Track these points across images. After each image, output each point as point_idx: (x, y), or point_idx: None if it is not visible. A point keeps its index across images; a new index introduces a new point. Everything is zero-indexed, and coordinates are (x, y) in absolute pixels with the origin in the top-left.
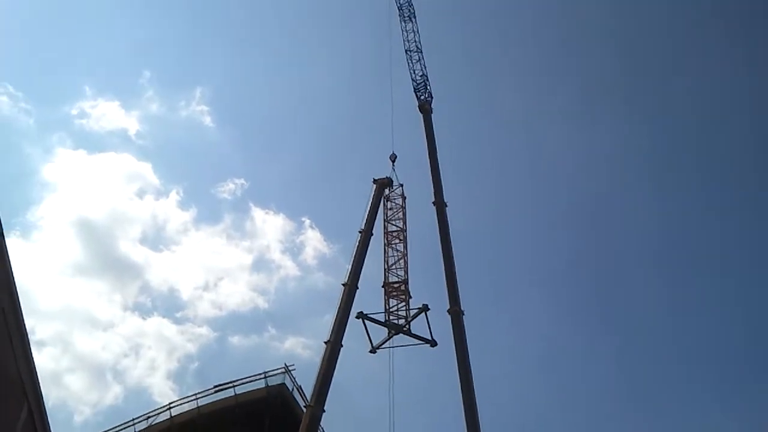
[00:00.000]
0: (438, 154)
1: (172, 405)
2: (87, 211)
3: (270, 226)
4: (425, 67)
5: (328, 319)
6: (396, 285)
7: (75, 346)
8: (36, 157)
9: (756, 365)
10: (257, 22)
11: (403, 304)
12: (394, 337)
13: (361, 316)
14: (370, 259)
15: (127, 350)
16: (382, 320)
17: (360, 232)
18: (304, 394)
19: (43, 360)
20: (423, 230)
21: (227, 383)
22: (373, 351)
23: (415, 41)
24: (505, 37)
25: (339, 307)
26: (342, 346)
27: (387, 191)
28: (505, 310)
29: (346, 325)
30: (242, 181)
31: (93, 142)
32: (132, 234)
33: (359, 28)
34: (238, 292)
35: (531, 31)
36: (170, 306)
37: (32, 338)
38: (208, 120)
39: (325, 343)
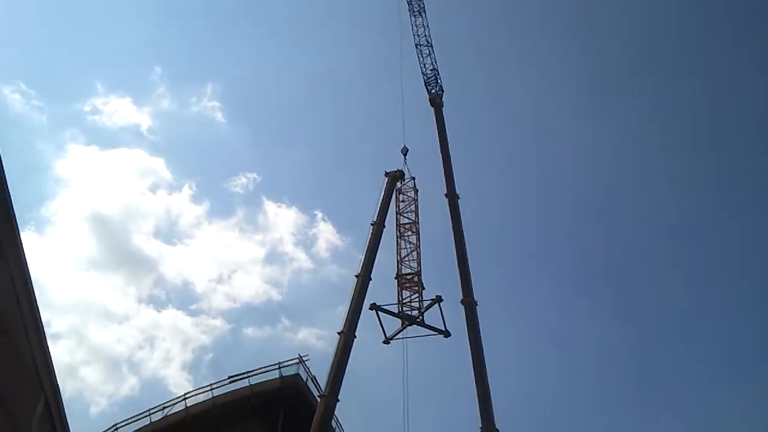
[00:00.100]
0: (449, 147)
1: (187, 396)
2: (100, 206)
3: (282, 219)
4: (435, 61)
5: (341, 311)
6: (409, 276)
7: (90, 338)
8: (49, 154)
9: None
10: (267, 17)
11: (416, 295)
12: (408, 328)
13: (374, 307)
14: (383, 251)
15: (142, 342)
16: (396, 311)
17: (372, 224)
18: (318, 384)
19: (59, 353)
20: (435, 222)
21: (242, 374)
22: (386, 342)
23: (425, 35)
24: (513, 30)
25: (352, 298)
26: (355, 336)
27: (399, 184)
28: (517, 302)
29: (359, 316)
30: (254, 175)
31: (105, 138)
32: (145, 228)
33: (369, 23)
34: (251, 285)
35: (539, 23)
36: (184, 298)
37: (48, 331)
38: (219, 115)
39: (339, 333)
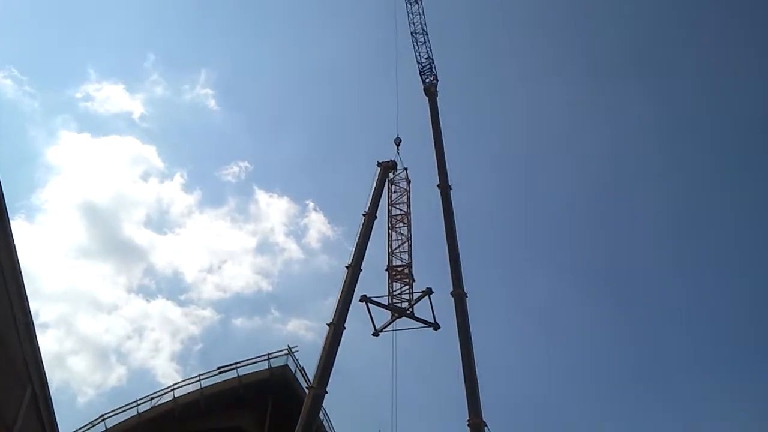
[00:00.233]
0: (443, 137)
1: (175, 386)
2: (91, 194)
3: (274, 209)
4: (431, 50)
5: (332, 302)
6: (400, 268)
7: (79, 328)
8: (40, 140)
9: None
10: (262, 4)
11: (407, 287)
12: (398, 320)
13: (364, 299)
14: (375, 242)
15: (131, 332)
16: (386, 303)
17: (364, 215)
18: (307, 376)
19: (47, 342)
20: (427, 213)
21: (231, 365)
22: (376, 334)
23: (421, 23)
24: (509, 19)
25: (342, 290)
26: (345, 328)
27: (391, 175)
28: (508, 294)
29: (349, 308)
30: (246, 164)
31: (97, 125)
32: (136, 217)
33: (364, 11)
34: (242, 275)
35: (537, 15)
36: (174, 288)
37: (36, 321)
38: (212, 103)
39: (328, 325)
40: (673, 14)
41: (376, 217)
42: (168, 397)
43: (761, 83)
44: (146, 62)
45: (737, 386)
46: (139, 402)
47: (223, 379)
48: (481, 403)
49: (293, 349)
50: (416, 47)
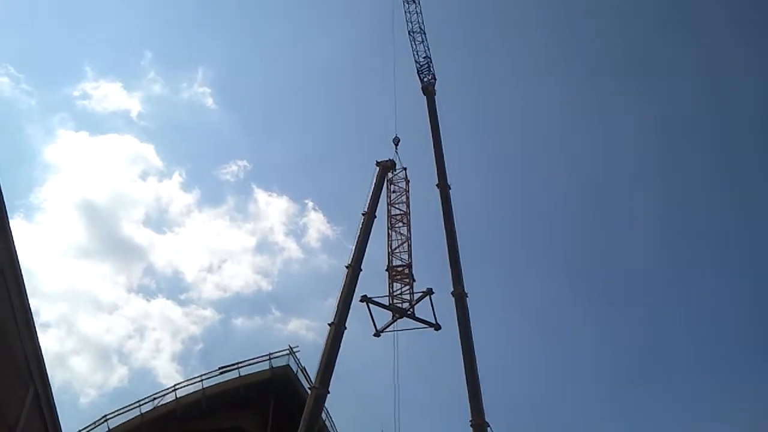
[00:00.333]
0: (441, 137)
1: (177, 387)
2: (90, 193)
3: (273, 208)
4: (428, 49)
5: (332, 302)
6: (400, 269)
7: (79, 328)
8: (38, 139)
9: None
10: (259, 3)
11: (407, 287)
12: (398, 320)
13: (365, 299)
14: (375, 242)
15: (132, 332)
16: (386, 304)
17: (363, 214)
18: (309, 376)
19: (48, 342)
20: (426, 213)
21: (232, 365)
22: (377, 335)
23: (419, 22)
24: (506, 19)
25: (342, 290)
26: (346, 328)
27: (390, 174)
28: (508, 294)
29: (349, 307)
30: (245, 162)
31: (95, 124)
32: (135, 216)
33: (362, 10)
34: (241, 274)
35: (533, 15)
36: (174, 288)
37: (37, 320)
38: (210, 102)
39: (329, 325)
40: (670, 13)
41: (375, 217)
42: (170, 398)
43: (761, 83)
44: (143, 60)
45: (737, 386)
46: (141, 402)
47: (225, 380)
48: (484, 403)
49: (294, 349)
50: (414, 46)
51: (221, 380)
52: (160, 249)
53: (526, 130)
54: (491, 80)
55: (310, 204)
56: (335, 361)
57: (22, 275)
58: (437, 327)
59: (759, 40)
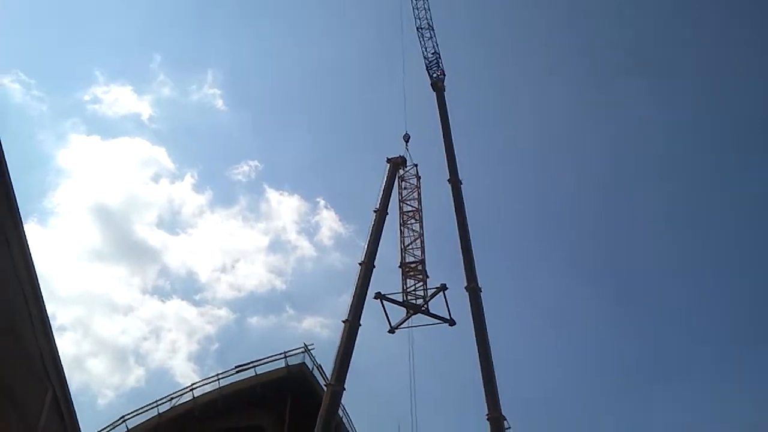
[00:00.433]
0: (452, 132)
1: (194, 386)
2: (103, 197)
3: (285, 207)
4: (437, 45)
5: (346, 299)
6: (413, 265)
7: (96, 330)
8: (50, 144)
9: None
10: (266, 2)
11: (421, 283)
12: (413, 317)
13: (379, 296)
14: (387, 239)
15: (148, 333)
16: (400, 300)
17: (375, 211)
18: (324, 373)
19: (65, 345)
20: (437, 208)
21: (248, 363)
22: (391, 331)
23: (427, 18)
24: (513, 17)
25: (356, 287)
26: (360, 324)
27: (401, 171)
28: (521, 288)
29: (363, 304)
30: (256, 162)
31: (107, 128)
32: (149, 218)
33: (370, 7)
34: (255, 274)
35: (539, 14)
36: (189, 288)
37: (53, 323)
38: (220, 103)
39: (344, 322)
40: (673, 14)
41: (387, 214)
42: (187, 397)
43: (761, 83)
44: (152, 63)
45: (745, 386)
46: (159, 402)
47: (241, 378)
48: (500, 397)
49: (309, 347)
50: (422, 42)
51: (238, 379)
52: (174, 250)
53: (535, 126)
54: (499, 76)
55: (322, 202)
56: (350, 358)
57: (37, 279)
58: (452, 322)
59: (760, 40)
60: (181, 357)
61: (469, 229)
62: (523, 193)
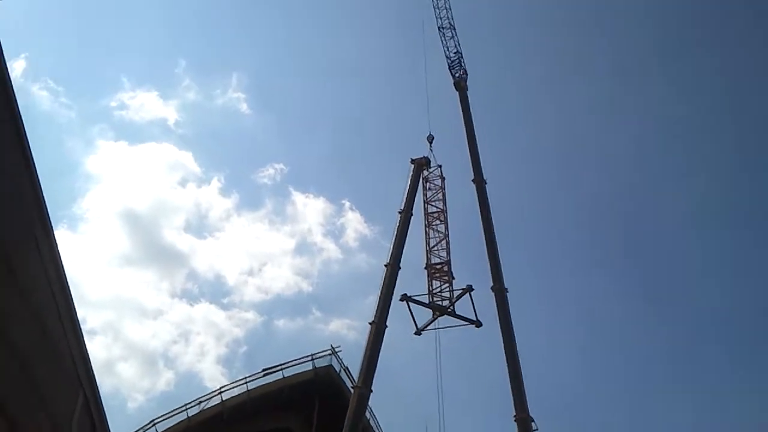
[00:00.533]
0: (475, 131)
1: (222, 389)
2: (131, 202)
3: (311, 209)
4: (459, 44)
5: (372, 300)
6: (438, 266)
7: (126, 334)
8: (78, 150)
9: None
10: (288, 5)
11: (447, 285)
12: (439, 318)
13: (405, 298)
14: (412, 240)
15: (177, 337)
16: (426, 302)
17: (399, 212)
18: (351, 375)
19: (95, 349)
20: (462, 208)
21: (275, 366)
22: (418, 333)
23: (448, 18)
24: (534, 16)
25: (382, 288)
26: (387, 326)
27: (426, 172)
28: (548, 288)
29: (389, 305)
30: (281, 165)
31: (134, 133)
32: (176, 222)
33: (391, 7)
34: (282, 276)
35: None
36: (217, 292)
37: (84, 327)
38: (244, 107)
39: (370, 323)
40: (697, 13)
41: (411, 215)
42: (216, 401)
43: None
44: (178, 68)
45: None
46: (188, 406)
47: (269, 381)
48: (527, 398)
49: (336, 349)
50: (444, 42)
51: (265, 382)
52: (202, 254)
53: (558, 124)
54: (522, 75)
55: (347, 204)
56: (377, 360)
57: (68, 284)
58: (478, 324)
59: None
60: (210, 360)
61: (495, 228)
62: (546, 192)
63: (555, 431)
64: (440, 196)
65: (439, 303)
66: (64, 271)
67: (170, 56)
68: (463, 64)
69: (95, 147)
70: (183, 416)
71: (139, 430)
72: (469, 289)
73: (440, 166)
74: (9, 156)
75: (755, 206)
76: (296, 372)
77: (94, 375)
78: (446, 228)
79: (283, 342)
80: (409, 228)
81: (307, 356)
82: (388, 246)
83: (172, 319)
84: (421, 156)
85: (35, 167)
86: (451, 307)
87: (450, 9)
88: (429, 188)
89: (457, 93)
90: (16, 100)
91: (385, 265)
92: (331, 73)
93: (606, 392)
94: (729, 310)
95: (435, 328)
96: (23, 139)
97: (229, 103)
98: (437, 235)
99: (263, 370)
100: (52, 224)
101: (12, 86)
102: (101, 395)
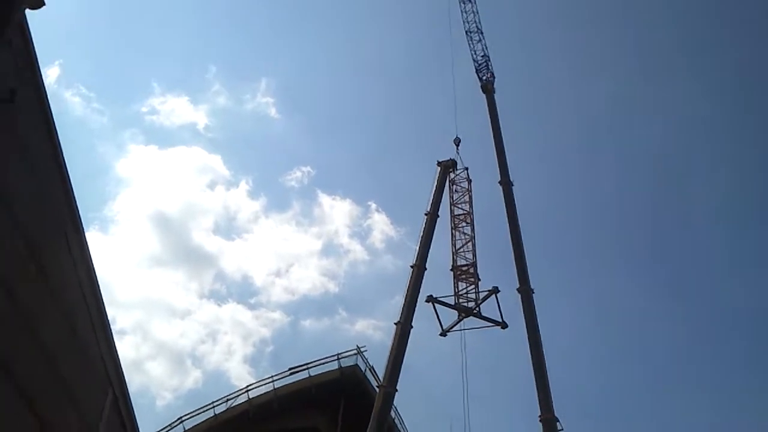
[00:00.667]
0: (502, 133)
1: (249, 388)
2: (161, 204)
3: (337, 211)
4: (486, 47)
5: (398, 301)
6: (464, 268)
7: (154, 334)
8: (110, 155)
9: None
10: (317, 10)
11: (473, 286)
12: (465, 319)
13: (430, 299)
14: (438, 241)
15: (205, 336)
16: (452, 303)
17: (426, 214)
18: (377, 375)
19: (125, 348)
20: (489, 210)
21: (302, 365)
22: (443, 334)
23: (475, 22)
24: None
25: (408, 289)
26: (412, 326)
27: (452, 175)
28: (574, 289)
29: (415, 306)
30: (309, 168)
31: (164, 137)
32: (205, 224)
33: (419, 12)
34: (308, 277)
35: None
36: (244, 292)
37: (114, 328)
38: (273, 111)
39: (396, 324)
40: (720, 10)
41: (438, 216)
42: (242, 399)
43: None
44: (208, 74)
45: None
46: (215, 404)
47: (295, 380)
48: (553, 399)
49: (362, 349)
50: (471, 45)
51: (292, 381)
52: (230, 255)
53: (581, 124)
54: (546, 75)
55: (373, 206)
56: (402, 360)
57: (98, 284)
58: (504, 325)
59: None
60: (237, 359)
61: (521, 230)
62: (572, 191)
63: None
64: (467, 198)
65: (465, 304)
66: (94, 271)
67: (201, 62)
68: (490, 67)
69: (126, 151)
70: (210, 414)
71: (167, 427)
72: (495, 290)
73: (467, 169)
74: (42, 159)
75: None
76: (322, 371)
77: (123, 373)
78: (472, 230)
79: (309, 342)
80: (435, 230)
81: (333, 356)
82: (414, 247)
83: (200, 318)
84: (448, 158)
85: (67, 170)
86: (477, 309)
87: (477, 13)
88: (455, 190)
89: (485, 96)
90: (49, 106)
91: (411, 267)
92: (359, 75)
93: (629, 392)
94: (752, 309)
95: (460, 330)
96: (56, 143)
97: (258, 107)
98: (463, 237)
99: (290, 369)
100: (84, 226)
101: (46, 92)
102: (130, 394)
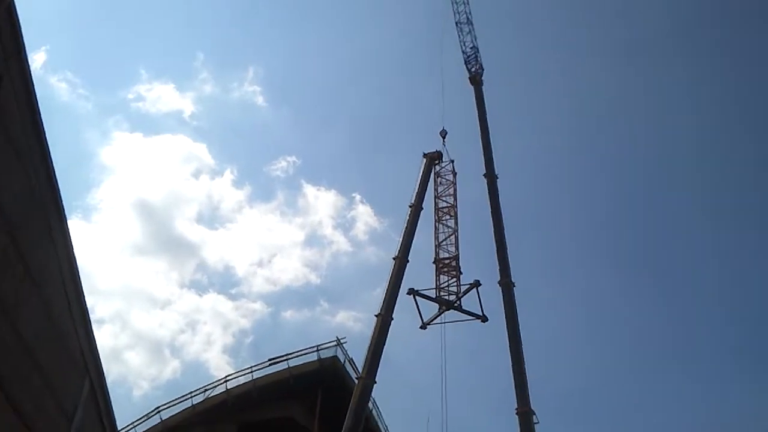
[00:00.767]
0: (490, 127)
1: (228, 378)
2: (145, 193)
3: (322, 202)
4: (476, 39)
5: (379, 293)
6: (447, 261)
7: (133, 323)
8: (94, 141)
9: None
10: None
11: (454, 280)
12: (445, 312)
13: (412, 292)
14: (422, 234)
15: (184, 326)
16: (433, 296)
17: (410, 206)
18: (356, 367)
19: (103, 337)
20: (472, 203)
21: (281, 356)
22: (423, 327)
23: (466, 12)
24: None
25: (389, 281)
26: (392, 319)
27: (437, 167)
28: (555, 283)
29: (396, 298)
30: (294, 158)
31: (149, 125)
32: (188, 213)
33: (409, 2)
34: (291, 268)
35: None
36: (225, 282)
37: (92, 316)
38: (260, 100)
39: (376, 316)
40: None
41: (422, 209)
42: (221, 389)
43: None
44: (195, 61)
45: None
46: (193, 394)
47: (274, 371)
48: (530, 392)
49: (342, 341)
50: (461, 37)
51: (271, 371)
52: (212, 245)
53: (571, 121)
54: (538, 69)
55: (358, 197)
56: (382, 352)
57: (78, 273)
58: (484, 319)
59: None
60: (216, 350)
61: (504, 223)
62: (557, 188)
63: (558, 425)
64: (451, 191)
65: (446, 297)
66: (75, 259)
67: (189, 49)
68: (479, 59)
69: (111, 138)
70: (188, 404)
71: (143, 417)
72: (477, 284)
73: (452, 161)
74: (26, 145)
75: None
76: (302, 362)
77: (100, 363)
78: (456, 223)
79: (289, 333)
80: (419, 222)
81: (313, 347)
82: (398, 239)
83: (180, 308)
84: (434, 150)
85: (51, 157)
86: (458, 302)
87: (468, 4)
88: (440, 183)
89: (473, 88)
90: (34, 92)
91: (394, 259)
92: (347, 65)
93: (609, 389)
94: (738, 309)
95: (441, 323)
96: (40, 129)
97: (245, 96)
98: (446, 230)
99: (269, 359)
100: (66, 213)
101: (31, 78)
102: (108, 383)
